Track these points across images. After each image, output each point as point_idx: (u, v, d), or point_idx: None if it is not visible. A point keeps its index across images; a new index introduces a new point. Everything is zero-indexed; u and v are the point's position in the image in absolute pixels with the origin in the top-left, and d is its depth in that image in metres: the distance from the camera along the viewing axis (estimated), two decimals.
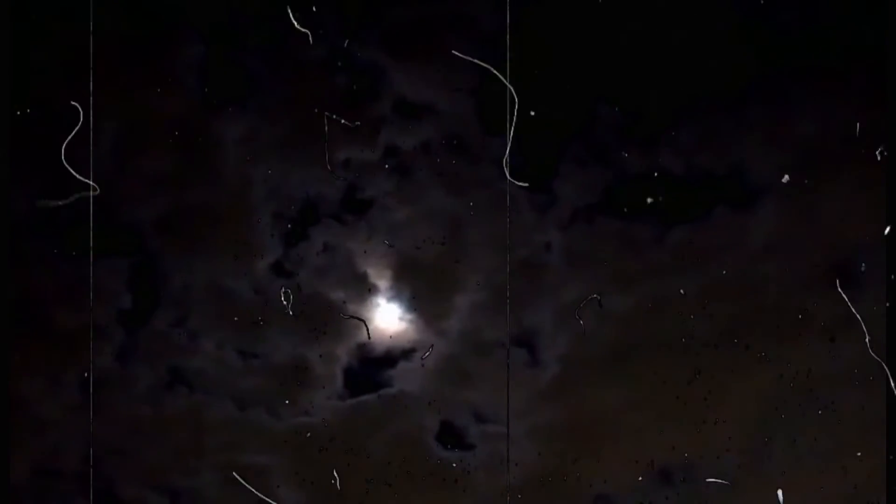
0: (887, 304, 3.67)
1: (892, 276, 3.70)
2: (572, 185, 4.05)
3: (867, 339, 4.00)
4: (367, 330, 4.15)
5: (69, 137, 3.92)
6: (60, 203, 3.76)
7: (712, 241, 4.07)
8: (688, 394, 4.14)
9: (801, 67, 3.86)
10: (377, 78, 3.98)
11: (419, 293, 4.23)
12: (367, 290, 4.24)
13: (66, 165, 3.81)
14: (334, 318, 4.24)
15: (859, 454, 4.04)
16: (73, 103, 3.90)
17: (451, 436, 4.32)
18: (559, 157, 4.01)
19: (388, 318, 4.28)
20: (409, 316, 4.28)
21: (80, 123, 3.92)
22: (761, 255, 4.05)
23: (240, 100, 3.98)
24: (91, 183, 3.75)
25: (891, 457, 3.78)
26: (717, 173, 3.97)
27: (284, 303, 4.10)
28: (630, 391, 4.19)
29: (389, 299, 4.26)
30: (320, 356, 4.28)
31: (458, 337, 4.27)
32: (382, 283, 4.25)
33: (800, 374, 4.08)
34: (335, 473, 4.22)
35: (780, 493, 4.02)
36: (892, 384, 3.68)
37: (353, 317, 4.08)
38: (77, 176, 3.74)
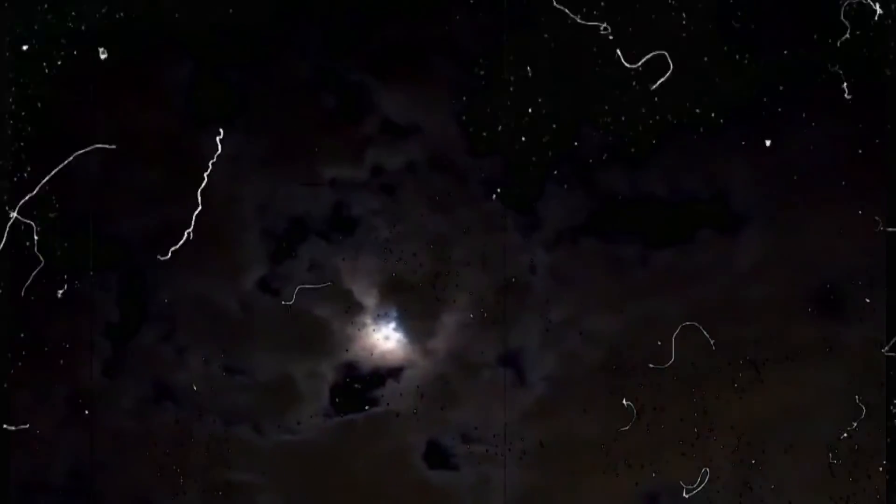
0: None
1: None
2: (557, 206, 4.06)
3: (853, 364, 4.00)
4: None
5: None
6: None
7: (697, 265, 4.07)
8: (674, 416, 4.12)
9: (786, 93, 3.88)
10: (364, 98, 4.00)
11: (406, 312, 4.24)
12: (353, 308, 4.24)
13: None
14: (321, 335, 4.25)
15: (849, 479, 4.02)
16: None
17: (437, 456, 4.30)
18: (545, 178, 4.02)
19: (375, 336, 4.28)
20: (396, 335, 4.28)
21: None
22: (746, 279, 4.05)
23: (228, 118, 4.01)
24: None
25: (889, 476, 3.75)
26: (702, 197, 3.99)
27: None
28: (614, 413, 4.18)
29: (376, 318, 4.26)
30: (307, 374, 4.28)
31: (446, 356, 4.26)
32: (369, 301, 4.25)
33: (786, 399, 4.07)
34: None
35: None
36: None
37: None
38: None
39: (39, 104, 3.97)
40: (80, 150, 3.99)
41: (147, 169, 4.09)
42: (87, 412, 4.21)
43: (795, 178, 3.96)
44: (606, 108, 3.93)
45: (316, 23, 3.94)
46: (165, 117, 4.03)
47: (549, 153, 4.02)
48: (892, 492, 3.67)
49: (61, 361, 4.16)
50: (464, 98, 4.02)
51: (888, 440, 3.81)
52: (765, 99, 3.94)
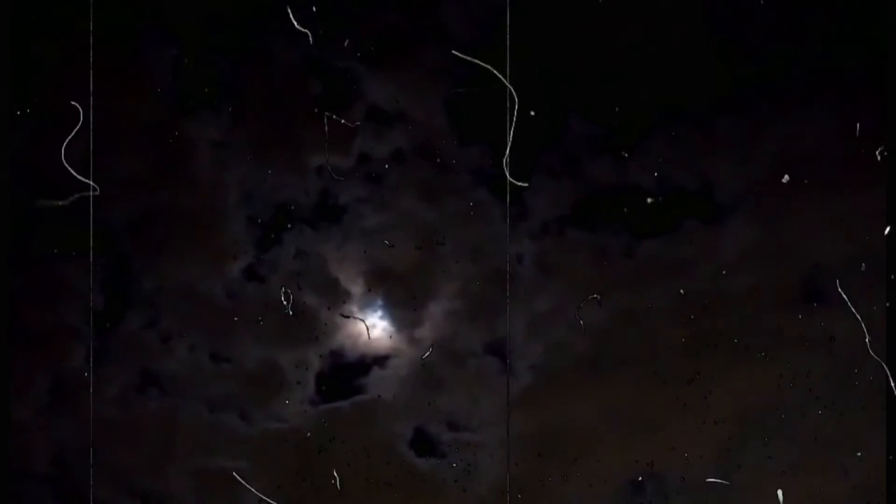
0: (887, 304, 3.68)
1: (893, 277, 3.72)
2: (545, 196, 4.07)
3: (838, 354, 4.03)
4: (367, 330, 4.14)
5: (69, 137, 3.92)
6: (60, 203, 3.75)
7: (682, 255, 4.09)
8: (657, 406, 4.15)
9: (770, 83, 3.89)
10: (351, 85, 4.00)
11: (392, 300, 4.24)
12: (339, 295, 4.24)
13: (67, 165, 3.81)
14: (306, 322, 4.24)
15: (830, 469, 4.07)
16: (73, 104, 3.90)
17: (424, 443, 4.32)
18: (532, 168, 4.03)
19: (361, 325, 4.28)
20: (382, 323, 4.28)
21: (80, 124, 3.92)
22: (731, 269, 4.07)
23: (214, 102, 3.99)
24: (91, 183, 3.74)
25: (890, 457, 3.78)
26: (688, 187, 4.00)
27: (284, 302, 4.08)
28: (601, 402, 4.21)
29: (362, 306, 4.26)
30: (293, 363, 4.28)
31: (433, 345, 4.27)
32: (355, 289, 4.25)
33: (769, 389, 4.10)
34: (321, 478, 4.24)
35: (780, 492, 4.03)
36: (893, 383, 3.69)
37: (352, 316, 4.09)
38: (77, 176, 3.73)
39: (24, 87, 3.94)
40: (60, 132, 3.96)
41: (132, 154, 4.06)
42: (70, 400, 4.20)
43: (783, 168, 3.98)
44: (595, 98, 3.93)
45: (304, 7, 3.91)
46: (150, 102, 4.00)
47: (538, 143, 4.03)
48: (893, 483, 3.70)
49: (44, 348, 4.15)
50: (452, 86, 4.01)
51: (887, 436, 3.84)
52: (753, 90, 3.95)
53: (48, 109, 3.95)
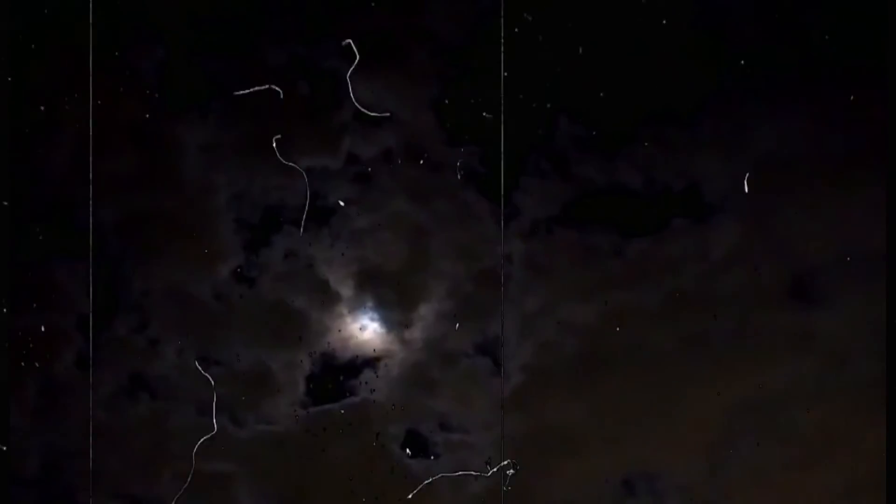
0: (886, 303, 3.69)
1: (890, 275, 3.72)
2: (533, 197, 4.07)
3: (826, 352, 4.05)
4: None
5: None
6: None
7: (671, 254, 4.10)
8: (648, 405, 4.16)
9: (757, 83, 3.90)
10: (338, 86, 3.99)
11: (383, 301, 4.23)
12: (329, 297, 4.23)
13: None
14: (296, 325, 4.23)
15: (820, 467, 4.08)
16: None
17: (416, 444, 4.31)
18: (520, 169, 4.04)
19: (351, 326, 4.27)
20: (373, 325, 4.27)
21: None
22: (721, 268, 4.08)
23: (201, 105, 3.98)
24: None
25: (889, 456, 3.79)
26: (675, 187, 4.01)
27: None
28: (591, 402, 4.21)
29: (352, 308, 4.25)
30: (283, 364, 4.27)
31: (423, 346, 4.27)
32: (345, 290, 4.24)
33: (759, 387, 4.11)
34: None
35: None
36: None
37: None
38: None
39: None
40: (51, 136, 3.95)
41: (119, 156, 4.05)
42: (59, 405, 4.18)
43: (770, 167, 4.00)
44: (583, 98, 3.94)
45: (290, 8, 3.91)
46: (138, 104, 3.99)
47: (526, 144, 4.04)
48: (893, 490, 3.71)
49: (33, 352, 4.13)
50: (440, 87, 4.02)
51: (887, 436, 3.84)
52: (741, 89, 3.97)
53: (46, 111, 3.93)
